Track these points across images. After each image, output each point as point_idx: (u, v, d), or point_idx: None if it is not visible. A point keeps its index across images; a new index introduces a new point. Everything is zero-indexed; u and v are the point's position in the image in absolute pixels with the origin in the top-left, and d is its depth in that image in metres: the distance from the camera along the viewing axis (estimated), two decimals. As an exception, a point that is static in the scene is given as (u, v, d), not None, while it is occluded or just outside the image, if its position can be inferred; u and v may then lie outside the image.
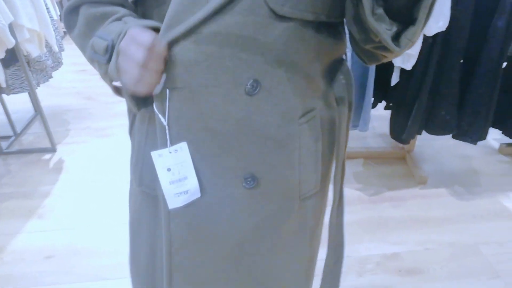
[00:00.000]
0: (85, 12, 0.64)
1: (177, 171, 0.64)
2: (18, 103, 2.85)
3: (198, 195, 0.66)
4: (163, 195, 0.66)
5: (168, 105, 0.60)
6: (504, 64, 2.01)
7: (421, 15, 0.45)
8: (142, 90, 0.56)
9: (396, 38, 0.49)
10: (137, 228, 0.80)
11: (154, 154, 0.63)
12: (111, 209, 1.97)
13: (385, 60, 0.62)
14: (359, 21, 0.53)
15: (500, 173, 2.19)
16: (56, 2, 4.09)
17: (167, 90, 0.59)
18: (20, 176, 2.24)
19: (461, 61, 1.79)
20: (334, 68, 0.68)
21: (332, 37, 0.63)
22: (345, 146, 0.74)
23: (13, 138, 2.58)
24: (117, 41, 0.56)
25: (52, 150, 2.46)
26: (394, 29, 0.48)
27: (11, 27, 1.98)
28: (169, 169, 0.64)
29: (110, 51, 0.57)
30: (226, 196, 0.66)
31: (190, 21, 0.54)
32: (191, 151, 0.63)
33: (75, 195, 2.08)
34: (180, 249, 0.70)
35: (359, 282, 1.57)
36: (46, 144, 2.47)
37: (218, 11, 0.53)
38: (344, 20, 0.62)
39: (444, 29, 1.59)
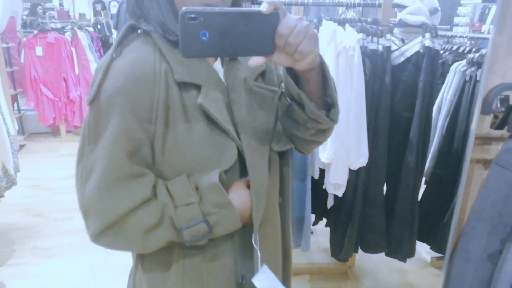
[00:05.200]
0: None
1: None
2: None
3: None
4: None
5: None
6: (424, 187, 2.33)
7: (335, 99, 0.78)
8: None
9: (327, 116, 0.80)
10: None
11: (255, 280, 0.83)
12: None
13: (317, 144, 0.91)
14: (301, 120, 0.81)
15: (432, 286, 2.36)
16: (16, 118, 4.22)
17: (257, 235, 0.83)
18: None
19: (384, 188, 2.06)
20: None
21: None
22: None
23: (-49, 260, 2.47)
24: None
25: (-7, 273, 2.37)
26: (324, 113, 0.79)
27: (-31, 154, 2.07)
28: None
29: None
30: None
31: None
32: None
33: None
34: None
35: None
36: (-13, 267, 2.39)
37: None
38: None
39: (365, 164, 1.87)
